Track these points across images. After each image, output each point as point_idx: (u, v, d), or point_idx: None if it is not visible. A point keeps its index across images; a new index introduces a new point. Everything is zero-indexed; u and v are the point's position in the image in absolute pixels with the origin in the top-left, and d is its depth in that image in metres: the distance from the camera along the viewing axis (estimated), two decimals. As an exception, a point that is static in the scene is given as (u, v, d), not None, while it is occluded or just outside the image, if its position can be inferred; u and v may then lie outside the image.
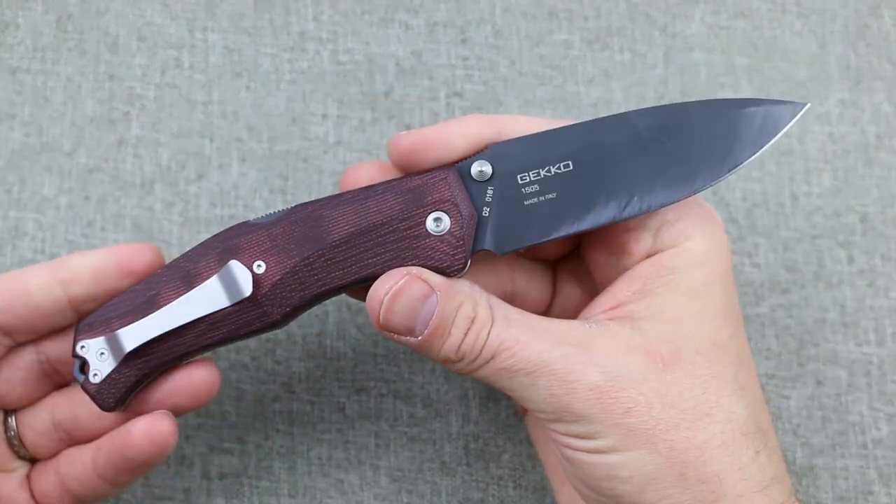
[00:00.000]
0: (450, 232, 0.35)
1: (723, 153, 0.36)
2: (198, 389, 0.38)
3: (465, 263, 0.35)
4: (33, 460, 0.41)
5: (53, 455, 0.40)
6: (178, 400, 0.38)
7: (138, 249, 0.38)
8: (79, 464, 0.39)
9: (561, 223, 0.36)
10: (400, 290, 0.34)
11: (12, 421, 0.40)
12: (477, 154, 0.36)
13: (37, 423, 0.40)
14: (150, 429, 0.37)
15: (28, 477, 0.40)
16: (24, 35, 0.51)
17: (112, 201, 0.48)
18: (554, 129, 0.37)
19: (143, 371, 0.36)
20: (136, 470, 0.38)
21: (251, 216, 0.48)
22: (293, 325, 0.47)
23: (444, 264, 0.35)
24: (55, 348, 0.39)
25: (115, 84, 0.50)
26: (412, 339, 0.35)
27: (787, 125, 0.36)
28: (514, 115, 0.38)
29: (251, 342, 0.47)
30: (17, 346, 0.39)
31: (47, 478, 0.39)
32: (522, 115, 0.38)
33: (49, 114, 0.50)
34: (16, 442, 0.40)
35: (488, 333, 0.34)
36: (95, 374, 0.36)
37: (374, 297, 0.34)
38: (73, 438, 0.40)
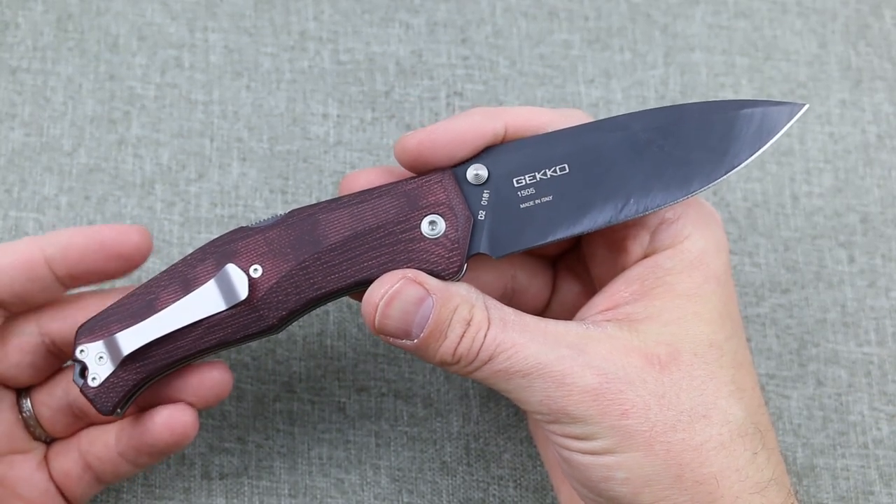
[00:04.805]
0: (445, 235, 0.35)
1: (720, 155, 0.36)
2: (208, 390, 0.39)
3: (461, 267, 0.35)
4: (49, 442, 0.41)
5: (72, 433, 0.41)
6: (188, 398, 0.38)
7: (125, 232, 0.38)
8: (101, 442, 0.39)
9: (557, 226, 0.36)
10: (395, 293, 0.34)
11: (27, 402, 0.40)
12: (473, 158, 0.36)
13: (52, 401, 0.40)
14: (170, 419, 0.38)
15: (46, 458, 0.40)
16: (24, 35, 0.51)
17: (112, 201, 0.48)
18: (550, 133, 0.37)
19: (141, 375, 0.37)
20: (157, 455, 0.39)
21: (252, 216, 0.48)
22: (293, 325, 0.47)
23: (440, 267, 0.35)
24: (57, 329, 0.40)
25: (116, 84, 0.50)
26: (408, 343, 0.35)
27: (784, 126, 0.36)
28: (517, 106, 0.38)
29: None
30: (14, 316, 0.39)
31: (68, 455, 0.40)
32: (526, 107, 0.38)
33: (49, 114, 0.50)
34: (32, 422, 0.40)
35: (485, 336, 0.34)
36: (94, 378, 0.37)
37: (369, 301, 0.34)
38: (90, 418, 0.40)
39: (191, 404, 0.39)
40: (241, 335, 0.36)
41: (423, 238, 0.35)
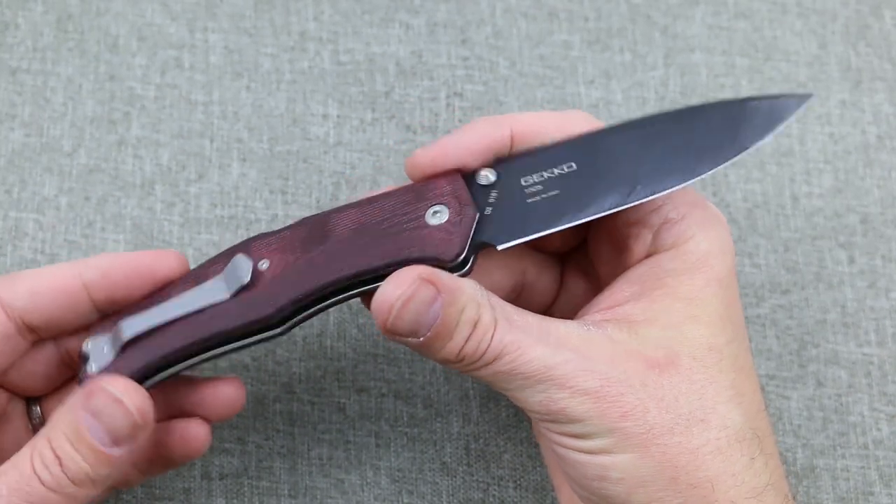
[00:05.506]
0: (448, 221, 0.35)
1: (730, 141, 0.36)
2: (222, 404, 0.39)
3: (463, 250, 0.35)
4: None
5: None
6: (202, 413, 0.39)
7: (163, 256, 0.39)
8: None
9: (563, 215, 0.36)
10: (412, 296, 0.33)
11: (37, 409, 0.40)
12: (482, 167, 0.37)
13: None
14: (185, 433, 0.39)
15: None
16: (24, 35, 0.51)
17: (112, 202, 0.48)
18: (559, 141, 0.37)
19: (139, 364, 0.36)
20: (169, 466, 0.40)
21: (251, 217, 0.48)
22: (293, 326, 0.47)
23: (441, 251, 0.35)
24: (75, 341, 0.40)
25: (115, 84, 0.50)
26: (413, 340, 0.34)
27: (793, 113, 0.36)
28: (521, 112, 0.38)
29: (251, 343, 0.47)
30: (40, 340, 0.39)
31: None
32: (529, 112, 0.38)
33: (49, 114, 0.50)
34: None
35: (491, 337, 0.34)
36: (92, 366, 0.36)
37: (383, 301, 0.34)
38: None
39: (205, 418, 0.39)
40: (242, 323, 0.35)
41: (426, 226, 0.35)
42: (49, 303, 0.37)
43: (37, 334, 0.39)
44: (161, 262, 0.38)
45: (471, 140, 0.36)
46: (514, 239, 0.36)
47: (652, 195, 0.35)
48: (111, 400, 0.33)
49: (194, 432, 0.39)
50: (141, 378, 0.36)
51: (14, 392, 0.40)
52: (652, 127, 0.36)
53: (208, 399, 0.39)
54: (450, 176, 0.36)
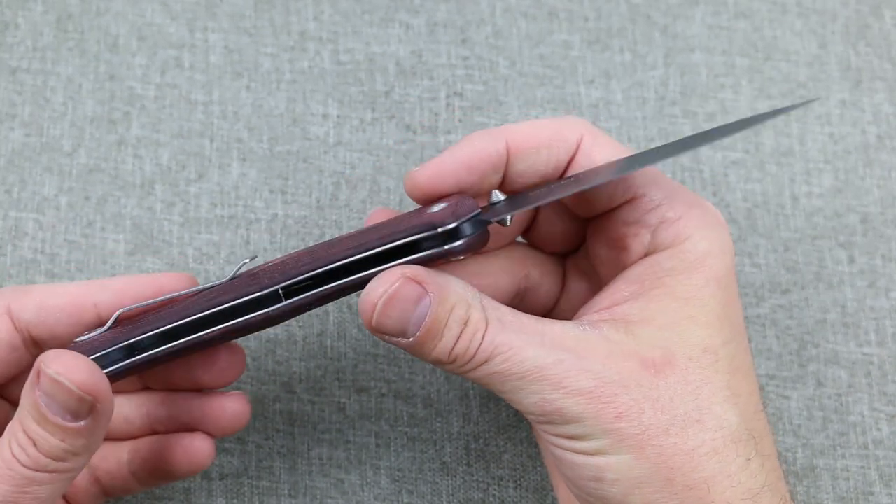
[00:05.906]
0: (448, 205, 0.35)
1: (739, 126, 0.36)
2: (227, 420, 0.39)
3: (457, 220, 0.34)
4: None
5: None
6: (206, 428, 0.39)
7: (178, 279, 0.39)
8: (114, 459, 0.40)
9: (560, 193, 0.35)
10: (395, 293, 0.33)
11: None
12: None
13: None
14: (189, 448, 0.39)
15: None
16: (24, 35, 0.51)
17: (112, 201, 0.48)
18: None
19: (126, 338, 0.36)
20: (171, 479, 0.40)
21: (251, 216, 0.49)
22: (293, 326, 0.47)
23: (434, 220, 0.34)
24: None
25: (115, 84, 0.50)
26: (403, 341, 0.34)
27: (796, 109, 0.36)
28: (517, 123, 0.38)
29: (251, 342, 0.47)
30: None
31: None
32: (526, 122, 0.38)
33: (49, 114, 0.50)
34: None
35: (482, 337, 0.33)
36: (80, 337, 0.36)
37: (367, 300, 0.34)
38: None
39: (209, 433, 0.39)
40: (233, 296, 0.35)
41: (426, 213, 0.35)
42: (56, 319, 0.38)
43: (41, 350, 0.38)
44: (175, 286, 0.38)
45: (466, 155, 0.36)
46: (509, 212, 0.35)
47: (653, 162, 0.35)
48: (49, 380, 0.32)
49: (198, 447, 0.39)
50: (128, 350, 0.36)
51: (14, 404, 0.40)
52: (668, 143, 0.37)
53: (212, 414, 0.39)
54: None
